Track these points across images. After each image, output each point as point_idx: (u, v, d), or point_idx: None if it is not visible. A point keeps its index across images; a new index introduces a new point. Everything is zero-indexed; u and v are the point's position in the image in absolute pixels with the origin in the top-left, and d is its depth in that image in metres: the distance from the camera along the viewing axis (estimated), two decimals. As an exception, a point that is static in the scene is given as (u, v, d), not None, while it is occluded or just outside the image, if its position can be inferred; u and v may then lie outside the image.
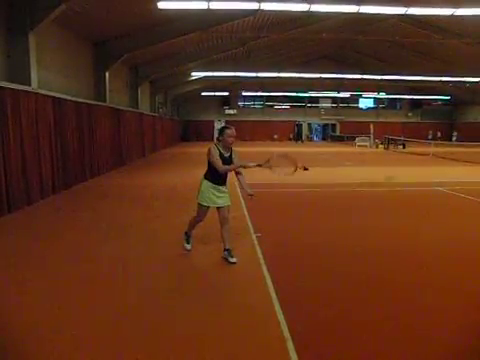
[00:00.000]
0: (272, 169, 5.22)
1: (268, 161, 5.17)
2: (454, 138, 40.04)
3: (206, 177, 5.19)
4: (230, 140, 5.03)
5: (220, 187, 5.18)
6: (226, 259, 5.21)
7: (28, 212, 8.29)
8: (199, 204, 5.21)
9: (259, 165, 5.14)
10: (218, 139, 5.11)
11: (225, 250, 5.26)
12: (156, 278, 4.76)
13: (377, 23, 24.06)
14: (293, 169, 5.26)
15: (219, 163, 4.96)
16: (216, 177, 5.11)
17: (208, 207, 5.20)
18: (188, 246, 5.57)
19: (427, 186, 11.67)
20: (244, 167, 5.15)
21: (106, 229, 6.97)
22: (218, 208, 5.22)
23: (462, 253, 5.73)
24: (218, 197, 5.16)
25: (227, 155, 5.10)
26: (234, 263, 5.13)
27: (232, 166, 5.07)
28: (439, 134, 43.04)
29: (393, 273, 4.94)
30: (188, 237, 5.57)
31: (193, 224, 5.49)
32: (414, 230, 6.92)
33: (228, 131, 5.01)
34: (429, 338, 3.44)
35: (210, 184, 5.12)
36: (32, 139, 9.05)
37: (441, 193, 10.59)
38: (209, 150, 5.04)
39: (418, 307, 4.01)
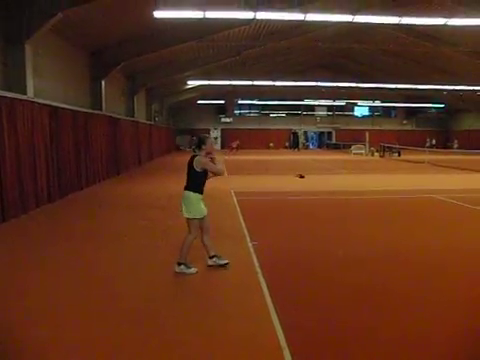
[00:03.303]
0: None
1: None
2: (455, 146, 39.86)
3: (193, 190, 5.11)
4: (212, 148, 5.27)
5: (202, 196, 5.22)
6: (217, 264, 5.18)
7: (23, 220, 8.25)
8: (194, 219, 5.11)
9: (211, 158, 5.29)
10: (199, 148, 5.14)
11: (212, 257, 5.21)
12: (151, 286, 4.74)
13: (372, 32, 24.29)
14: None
15: (215, 166, 5.14)
16: (201, 188, 5.17)
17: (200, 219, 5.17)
18: (193, 270, 5.10)
19: (422, 193, 11.71)
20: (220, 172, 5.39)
21: (102, 238, 6.95)
22: (202, 218, 5.19)
23: (457, 260, 5.74)
24: (204, 207, 5.19)
25: None
26: (227, 263, 5.15)
27: (217, 169, 5.25)
28: (434, 141, 43.24)
29: (389, 281, 4.95)
30: (186, 264, 5.08)
31: (189, 246, 5.12)
32: (409, 237, 6.93)
33: (210, 140, 5.26)
34: (426, 345, 3.44)
35: (199, 196, 5.13)
36: (28, 147, 9.03)
37: (436, 200, 10.63)
38: (200, 160, 5.06)
39: (415, 314, 4.01)
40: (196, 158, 5.09)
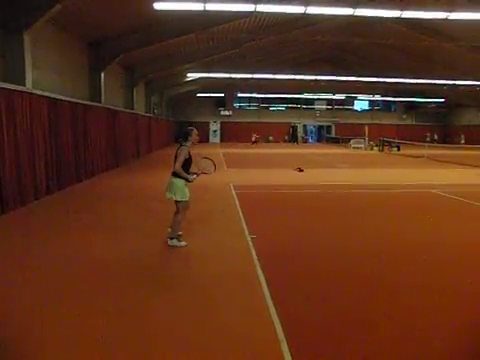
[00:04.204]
0: (206, 172, 6.09)
1: (199, 170, 6.02)
2: (462, 141, 39.49)
3: (179, 176, 5.71)
4: (197, 139, 5.94)
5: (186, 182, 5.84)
6: (173, 245, 5.81)
7: (22, 213, 8.24)
8: (181, 201, 5.78)
9: (196, 173, 5.92)
10: (185, 139, 5.81)
11: (172, 238, 5.85)
12: (149, 279, 4.74)
13: (373, 26, 24.18)
14: (213, 168, 6.21)
15: (180, 165, 5.66)
16: (187, 171, 5.79)
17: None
18: (183, 243, 5.85)
19: (421, 188, 11.73)
20: (193, 179, 5.83)
21: (101, 230, 6.95)
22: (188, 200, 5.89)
23: (455, 254, 5.76)
24: (187, 191, 5.86)
25: (191, 152, 5.90)
26: (185, 245, 5.81)
27: (184, 175, 5.70)
28: (436, 136, 43.00)
29: (388, 274, 4.96)
30: (177, 239, 5.89)
31: (178, 224, 5.86)
32: (408, 231, 6.96)
33: (195, 132, 5.89)
34: (425, 339, 3.46)
35: (183, 182, 5.74)
36: (26, 139, 9.00)
37: (434, 195, 10.65)
38: (182, 150, 5.72)
39: (413, 308, 4.03)
40: (181, 148, 5.74)
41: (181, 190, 5.71)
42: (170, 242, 5.84)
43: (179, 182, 5.71)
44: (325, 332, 3.56)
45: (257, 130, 44.30)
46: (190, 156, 5.83)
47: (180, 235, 5.98)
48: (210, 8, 12.13)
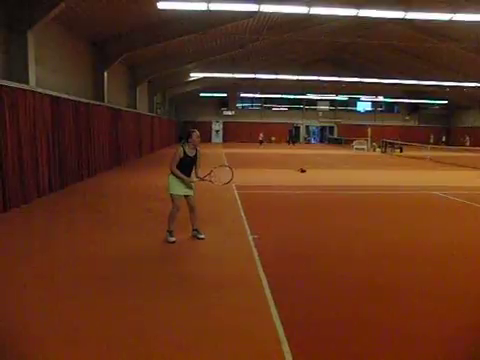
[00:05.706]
0: (212, 181, 6.27)
1: (209, 174, 6.23)
2: (467, 143, 39.20)
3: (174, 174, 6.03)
4: (197, 141, 6.05)
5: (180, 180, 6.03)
6: (195, 236, 6.23)
7: (24, 211, 8.26)
8: (171, 195, 6.07)
9: (200, 178, 6.16)
10: (186, 141, 6.02)
11: (194, 230, 6.30)
12: (152, 279, 4.74)
13: (376, 27, 24.16)
14: (230, 179, 6.39)
15: (174, 164, 5.97)
16: (183, 172, 6.00)
17: (180, 196, 6.06)
18: (172, 239, 6.06)
19: (423, 190, 11.69)
20: (190, 182, 6.06)
21: (102, 228, 6.95)
22: (186, 197, 6.13)
23: (456, 257, 5.74)
24: (183, 189, 6.05)
25: (192, 154, 6.07)
26: (203, 238, 6.19)
27: (181, 175, 5.96)
28: (443, 138, 42.68)
29: (389, 276, 4.95)
30: (170, 233, 6.12)
31: (172, 217, 6.10)
32: (411, 233, 6.93)
33: (195, 134, 6.02)
34: (424, 340, 3.44)
35: (175, 178, 5.99)
36: (29, 137, 9.01)
37: (437, 197, 10.63)
38: (177, 150, 6.02)
39: (413, 309, 4.01)
40: (177, 147, 6.06)
41: (171, 184, 6.02)
42: (166, 234, 6.14)
43: (171, 177, 6.03)
44: (326, 333, 3.55)
45: (259, 130, 44.35)
46: (189, 156, 6.03)
47: (199, 230, 6.28)
48: (214, 8, 12.14)
